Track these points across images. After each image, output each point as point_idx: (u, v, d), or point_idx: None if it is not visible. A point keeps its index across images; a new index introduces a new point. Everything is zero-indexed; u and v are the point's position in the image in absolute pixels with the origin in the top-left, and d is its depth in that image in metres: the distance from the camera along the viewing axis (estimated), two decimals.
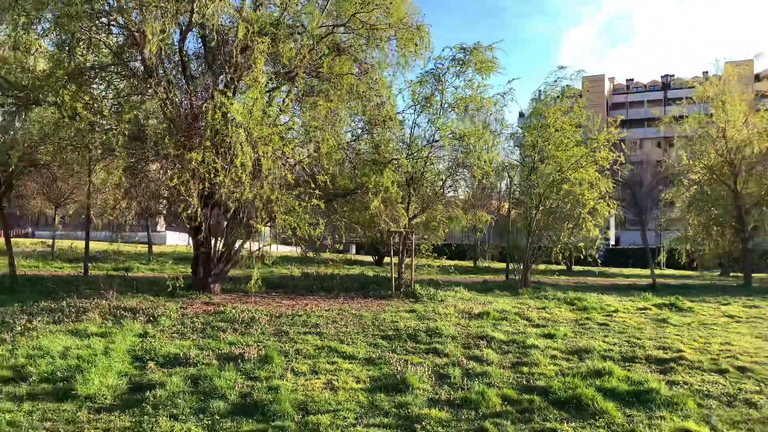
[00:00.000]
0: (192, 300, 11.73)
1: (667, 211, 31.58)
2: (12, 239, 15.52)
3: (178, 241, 37.87)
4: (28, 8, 10.94)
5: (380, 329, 9.45)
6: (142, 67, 12.19)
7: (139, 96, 12.63)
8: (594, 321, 10.98)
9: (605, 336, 9.49)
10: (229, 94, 11.49)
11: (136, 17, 11.58)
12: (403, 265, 15.29)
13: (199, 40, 13.33)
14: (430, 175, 16.11)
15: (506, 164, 19.97)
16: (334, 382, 6.57)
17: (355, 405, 5.87)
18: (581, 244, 18.38)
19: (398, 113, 15.00)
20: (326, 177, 11.75)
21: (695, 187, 25.05)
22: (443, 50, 19.53)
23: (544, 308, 12.47)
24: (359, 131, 15.49)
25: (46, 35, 11.87)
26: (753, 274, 23.84)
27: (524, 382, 6.77)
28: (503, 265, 27.33)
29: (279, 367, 6.97)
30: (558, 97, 17.94)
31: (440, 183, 16.70)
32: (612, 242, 42.16)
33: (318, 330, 9.19)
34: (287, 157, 12.09)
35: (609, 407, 5.78)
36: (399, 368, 7.01)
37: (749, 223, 23.96)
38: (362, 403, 5.94)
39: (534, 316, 11.28)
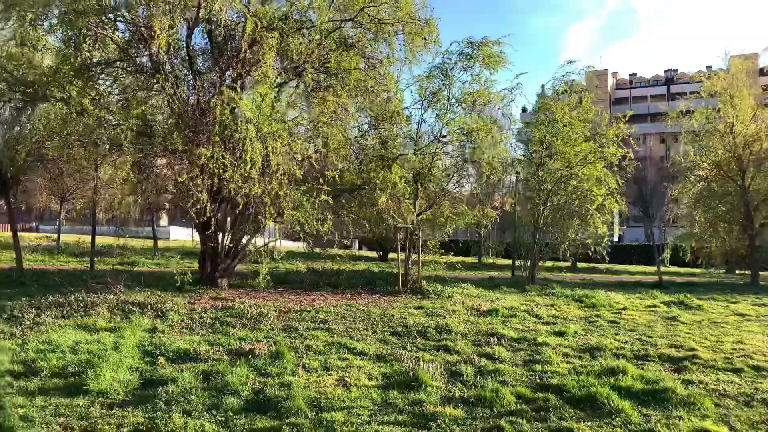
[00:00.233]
0: (200, 295, 11.71)
1: (674, 208, 31.39)
2: (18, 233, 15.51)
3: (182, 236, 37.85)
4: (36, 4, 10.91)
5: (389, 325, 9.41)
6: (149, 63, 12.15)
7: (146, 92, 12.59)
8: (603, 318, 10.92)
9: (616, 334, 9.43)
10: (238, 89, 11.44)
11: (142, 13, 11.54)
12: (410, 261, 15.24)
13: (206, 36, 13.27)
14: (437, 171, 16.03)
15: (513, 160, 19.86)
16: (346, 378, 6.52)
17: (369, 402, 5.82)
18: (589, 241, 18.29)
19: (405, 108, 14.93)
20: (335, 172, 11.70)
21: (702, 183, 24.87)
22: (450, 45, 19.42)
23: (552, 305, 12.41)
24: (366, 127, 15.43)
25: (53, 31, 11.86)
26: (760, 272, 23.68)
27: (537, 380, 6.71)
28: (508, 261, 27.23)
29: (290, 363, 6.93)
30: (566, 92, 17.82)
31: (447, 179, 16.62)
32: (615, 239, 42.01)
33: (327, 326, 9.15)
34: (295, 153, 12.04)
35: (625, 406, 5.71)
36: (411, 365, 6.97)
37: (757, 220, 23.74)
38: (375, 400, 5.89)
39: (543, 313, 11.22)
